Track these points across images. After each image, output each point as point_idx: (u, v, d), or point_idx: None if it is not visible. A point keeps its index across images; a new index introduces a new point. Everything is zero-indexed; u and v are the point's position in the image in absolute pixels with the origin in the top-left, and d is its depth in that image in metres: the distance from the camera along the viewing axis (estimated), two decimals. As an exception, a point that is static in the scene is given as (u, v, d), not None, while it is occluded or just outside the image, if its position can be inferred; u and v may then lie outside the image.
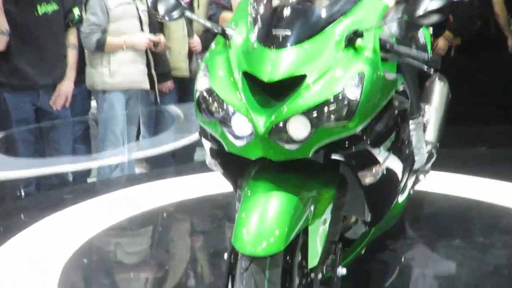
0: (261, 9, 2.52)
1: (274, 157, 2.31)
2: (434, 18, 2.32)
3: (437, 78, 4.02)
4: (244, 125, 2.29)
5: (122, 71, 5.11)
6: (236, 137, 2.33)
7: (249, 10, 2.56)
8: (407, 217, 3.91)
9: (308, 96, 2.26)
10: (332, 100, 2.26)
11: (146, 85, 5.26)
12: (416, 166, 3.34)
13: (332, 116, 2.26)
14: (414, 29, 3.13)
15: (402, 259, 3.47)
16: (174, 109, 5.83)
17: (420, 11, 2.31)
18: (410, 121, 3.25)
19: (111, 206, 4.35)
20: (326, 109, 2.26)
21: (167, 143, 5.84)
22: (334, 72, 2.31)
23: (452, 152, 4.86)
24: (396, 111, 2.58)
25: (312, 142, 2.28)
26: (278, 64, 2.28)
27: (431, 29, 3.95)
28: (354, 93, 2.28)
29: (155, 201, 4.41)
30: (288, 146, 2.28)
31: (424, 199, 4.20)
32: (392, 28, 2.85)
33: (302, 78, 2.30)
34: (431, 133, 3.74)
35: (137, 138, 5.68)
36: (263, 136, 2.26)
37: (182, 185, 4.76)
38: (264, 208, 2.27)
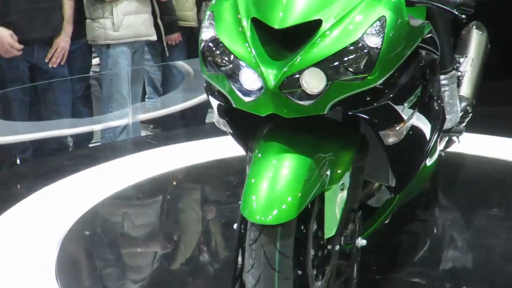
0: None
1: (286, 114, 2.28)
2: None
3: (474, 27, 3.97)
4: (253, 79, 2.27)
5: (126, 22, 5.09)
6: (245, 92, 2.31)
7: None
8: (440, 183, 3.90)
9: (323, 45, 2.23)
10: (350, 49, 2.23)
11: (153, 37, 5.24)
12: (448, 125, 3.33)
13: (350, 67, 2.23)
14: None
15: (434, 230, 3.46)
16: (183, 65, 5.82)
17: None
18: (442, 75, 3.25)
19: (115, 173, 4.37)
20: (343, 59, 2.22)
21: (176, 103, 5.84)
22: (352, 17, 2.27)
23: (490, 111, 4.82)
24: (423, 63, 2.53)
25: (328, 97, 2.25)
26: (290, 9, 2.24)
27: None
28: (374, 41, 2.24)
29: (163, 166, 4.42)
30: (301, 102, 2.25)
31: (459, 162, 4.19)
32: None
33: (317, 24, 2.26)
34: (467, 88, 3.70)
35: (143, 97, 5.68)
36: (274, 91, 2.23)
37: (192, 149, 4.77)
38: (275, 172, 2.25)
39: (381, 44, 2.24)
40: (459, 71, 3.69)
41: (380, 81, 2.29)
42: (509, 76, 5.56)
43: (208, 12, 2.45)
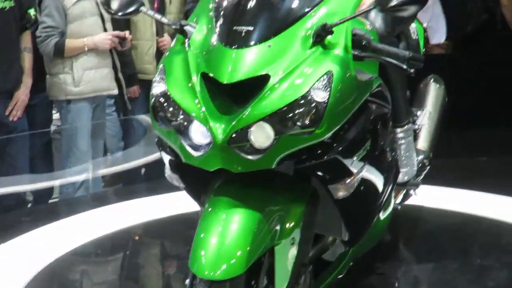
0: (224, 3, 2.54)
1: (234, 168, 2.31)
2: (411, 9, 2.34)
3: (431, 80, 4.03)
4: (202, 133, 2.30)
5: (86, 77, 5.10)
6: (194, 147, 2.33)
7: (211, 4, 2.57)
8: (399, 235, 3.92)
9: (271, 99, 2.26)
10: (297, 104, 2.26)
11: (115, 90, 5.26)
12: (405, 178, 3.35)
13: (298, 122, 2.26)
14: (402, 23, 3.15)
15: (392, 284, 3.46)
16: (144, 118, 5.81)
17: (394, 1, 2.32)
18: (398, 129, 3.28)
19: (74, 228, 4.33)
20: (290, 113, 2.25)
21: (138, 158, 5.83)
22: (300, 72, 2.30)
23: (448, 163, 4.87)
24: (373, 116, 2.57)
25: (276, 151, 2.28)
26: (239, 64, 2.28)
27: (425, 23, 3.94)
28: (321, 95, 2.27)
29: (123, 222, 4.40)
30: (249, 156, 2.28)
31: (418, 215, 4.21)
32: (376, 22, 2.88)
33: (266, 79, 2.30)
34: (424, 142, 3.73)
35: (104, 152, 5.67)
36: (222, 145, 2.26)
37: (153, 204, 4.75)
38: (224, 226, 2.27)
39: (328, 99, 2.27)
40: (416, 124, 3.73)
41: (328, 135, 2.32)
42: (467, 128, 5.64)
43: (160, 66, 2.49)
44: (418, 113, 3.81)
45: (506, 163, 5.27)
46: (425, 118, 3.80)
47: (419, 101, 3.92)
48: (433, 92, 3.95)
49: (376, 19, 2.84)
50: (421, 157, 3.63)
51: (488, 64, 6.08)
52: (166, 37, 5.55)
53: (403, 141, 3.31)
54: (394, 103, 2.98)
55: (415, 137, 3.66)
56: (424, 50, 3.74)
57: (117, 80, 5.28)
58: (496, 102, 5.97)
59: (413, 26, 3.50)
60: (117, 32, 5.13)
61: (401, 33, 3.35)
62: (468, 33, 6.36)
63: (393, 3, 2.32)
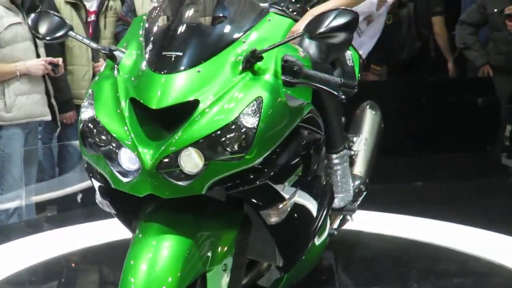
0: (154, 28, 2.57)
1: (164, 194, 2.32)
2: (341, 36, 2.36)
3: (368, 106, 4.08)
4: (131, 159, 2.31)
5: (19, 102, 5.02)
6: (123, 173, 2.34)
7: (141, 30, 2.60)
8: (338, 260, 3.93)
9: (200, 125, 2.29)
10: (226, 129, 2.28)
11: (48, 116, 5.20)
12: (341, 203, 3.38)
13: (227, 147, 2.28)
14: (335, 50, 3.20)
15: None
16: (78, 143, 5.75)
17: (322, 28, 2.35)
18: (334, 154, 3.32)
19: (7, 256, 4.25)
20: (220, 139, 2.28)
21: (73, 184, 5.76)
22: (229, 98, 2.34)
23: (387, 188, 4.92)
24: (304, 142, 2.60)
25: (205, 177, 2.30)
26: (168, 90, 2.31)
27: (361, 51, 3.99)
28: (251, 121, 2.30)
29: (58, 249, 4.32)
30: (179, 182, 2.29)
31: (356, 240, 4.23)
32: (310, 49, 2.92)
33: (195, 105, 2.32)
34: (360, 167, 3.77)
35: (37, 178, 5.59)
36: (151, 171, 2.26)
37: (90, 230, 4.69)
38: (155, 252, 2.27)
39: (258, 124, 2.31)
40: (352, 150, 3.77)
41: (258, 161, 2.35)
42: (403, 153, 5.72)
43: (89, 91, 2.51)
44: (354, 139, 3.86)
45: (443, 188, 5.36)
46: (361, 144, 3.84)
47: (355, 127, 3.96)
48: (369, 118, 3.99)
49: (310, 45, 2.91)
50: (357, 182, 3.67)
51: (423, 89, 6.20)
52: (102, 62, 5.50)
53: (338, 167, 3.35)
54: (328, 129, 3.03)
55: (352, 163, 3.71)
56: (359, 76, 3.78)
57: (51, 106, 5.22)
58: (432, 127, 6.08)
59: (349, 53, 3.55)
60: (50, 58, 5.08)
61: (336, 59, 3.40)
62: (403, 60, 6.51)
63: (321, 30, 2.35)
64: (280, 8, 3.18)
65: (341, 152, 3.37)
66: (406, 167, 5.76)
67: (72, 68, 5.45)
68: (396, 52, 6.46)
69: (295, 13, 3.16)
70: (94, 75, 5.49)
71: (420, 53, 6.44)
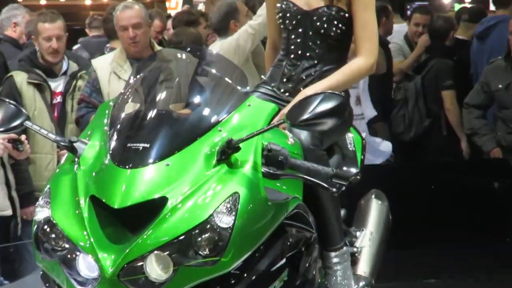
0: (120, 116, 2.59)
1: None
2: (329, 122, 2.36)
3: (373, 196, 3.98)
4: (90, 266, 2.30)
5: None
6: (80, 282, 2.31)
7: (105, 118, 2.62)
8: None
9: (168, 226, 2.27)
10: (198, 230, 2.27)
11: (8, 211, 5.06)
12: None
13: (199, 251, 2.26)
14: (330, 136, 3.14)
15: None
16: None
17: (306, 114, 2.35)
18: (332, 253, 3.22)
19: None
20: (191, 241, 2.26)
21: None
22: (201, 194, 2.33)
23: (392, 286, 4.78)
24: (290, 241, 2.57)
25: (175, 285, 2.26)
26: (132, 186, 2.31)
27: (364, 133, 3.91)
28: (225, 220, 2.29)
29: None
30: None
31: None
32: (301, 134, 2.87)
33: (163, 202, 2.32)
34: (365, 266, 3.63)
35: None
36: (112, 279, 2.24)
37: None
38: None
39: (234, 224, 2.29)
40: (355, 246, 3.65)
41: (235, 265, 2.32)
42: (413, 246, 5.61)
43: (46, 187, 2.51)
44: (358, 233, 3.74)
45: (458, 286, 5.30)
46: (366, 240, 3.72)
47: (359, 220, 3.85)
48: (375, 209, 3.90)
49: (302, 130, 2.85)
50: (362, 283, 3.55)
51: (433, 173, 6.12)
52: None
53: (338, 267, 3.25)
54: (324, 223, 3.04)
55: (354, 261, 3.59)
56: (362, 158, 3.68)
57: (11, 199, 5.08)
58: (444, 215, 5.99)
59: (350, 136, 3.50)
60: (10, 135, 4.82)
61: (335, 143, 3.36)
62: (410, 140, 6.44)
63: (304, 117, 2.36)
64: (270, 88, 3.29)
65: (341, 250, 3.28)
66: (416, 261, 5.63)
67: (34, 157, 5.33)
68: (402, 131, 6.42)
69: (287, 93, 3.23)
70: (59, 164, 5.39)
71: (429, 132, 6.38)
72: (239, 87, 2.76)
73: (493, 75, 5.76)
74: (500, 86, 5.71)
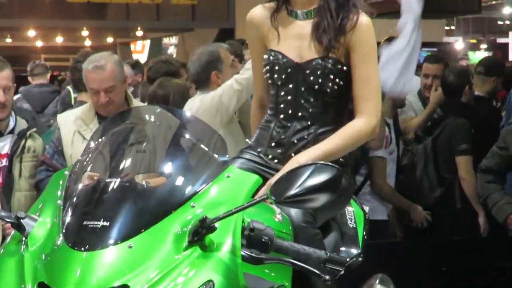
0: (77, 187, 2.58)
1: None
2: (321, 199, 2.37)
3: (377, 281, 3.94)
4: None
5: None
6: None
7: (59, 190, 2.61)
8: None
9: None
10: None
11: None
12: None
13: None
14: (330, 209, 3.15)
15: None
16: None
17: (293, 189, 2.35)
18: None
19: None
20: None
21: None
22: (170, 282, 2.31)
23: None
24: None
25: None
26: (88, 272, 2.29)
27: (367, 208, 3.89)
28: None
29: None
30: None
31: None
32: (291, 209, 2.86)
33: None
34: None
35: None
36: None
37: None
38: None
39: None
40: None
41: None
42: None
43: None
44: None
45: None
46: None
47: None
48: None
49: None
50: None
51: (445, 252, 6.08)
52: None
53: None
54: None
55: None
56: (364, 236, 3.67)
57: None
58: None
59: (350, 209, 3.50)
60: None
61: (331, 219, 3.35)
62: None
63: (292, 192, 2.37)
64: (256, 154, 3.31)
65: None
66: None
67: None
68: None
69: (275, 160, 3.25)
70: (3, 240, 5.32)
71: (441, 204, 6.28)
72: (216, 156, 2.76)
73: None
74: None
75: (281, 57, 3.22)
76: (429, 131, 6.41)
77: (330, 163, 2.47)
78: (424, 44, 18.40)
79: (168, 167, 2.70)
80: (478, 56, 22.28)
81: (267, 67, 3.24)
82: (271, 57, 3.23)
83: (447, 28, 27.66)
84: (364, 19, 3.20)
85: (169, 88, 5.51)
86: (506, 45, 25.49)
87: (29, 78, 8.27)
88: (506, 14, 32.85)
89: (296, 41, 3.24)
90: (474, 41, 28.33)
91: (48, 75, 10.15)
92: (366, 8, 3.26)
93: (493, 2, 28.59)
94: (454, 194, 6.21)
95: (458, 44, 23.16)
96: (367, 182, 5.74)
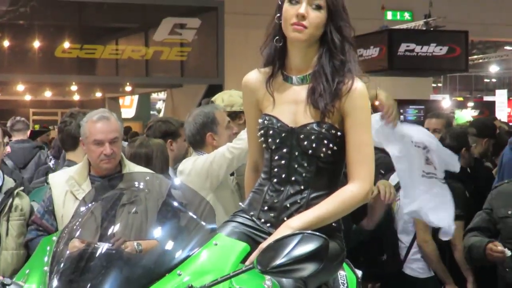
0: (64, 254, 2.56)
1: None
2: (306, 268, 2.35)
3: None
4: None
5: None
6: None
7: (47, 254, 2.60)
8: None
9: None
10: None
11: None
12: None
13: None
14: (321, 274, 3.07)
15: None
16: None
17: (280, 259, 2.34)
18: None
19: None
20: None
21: None
22: None
23: None
24: None
25: None
26: None
27: (359, 272, 3.82)
28: None
29: None
30: None
31: None
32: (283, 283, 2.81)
33: None
34: None
35: None
36: None
37: None
38: None
39: None
40: None
41: None
42: None
43: None
44: None
45: None
46: None
47: None
48: None
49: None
50: None
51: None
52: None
53: None
54: None
55: None
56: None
57: None
58: None
59: (343, 274, 3.48)
60: None
61: (324, 284, 3.31)
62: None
63: (278, 262, 2.37)
64: (249, 217, 3.28)
65: None
66: None
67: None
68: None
69: (268, 224, 3.23)
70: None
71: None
72: (204, 223, 2.75)
73: (499, 200, 5.57)
74: (509, 212, 5.48)
75: (276, 122, 3.21)
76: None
77: (317, 233, 2.47)
78: (412, 102, 18.51)
79: (156, 234, 2.69)
80: (465, 113, 22.33)
81: (262, 131, 3.23)
82: (265, 121, 3.23)
83: (434, 85, 27.80)
84: (359, 84, 3.20)
85: (151, 147, 5.50)
86: (493, 103, 25.53)
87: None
88: (492, 72, 33.06)
89: (291, 106, 3.24)
90: (461, 99, 28.44)
91: (28, 132, 10.12)
92: (361, 73, 3.25)
93: (480, 61, 28.77)
94: (444, 259, 6.09)
95: (445, 102, 23.19)
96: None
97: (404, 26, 18.85)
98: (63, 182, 4.87)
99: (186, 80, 17.17)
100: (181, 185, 3.15)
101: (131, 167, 4.79)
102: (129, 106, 25.85)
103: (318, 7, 3.19)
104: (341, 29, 3.23)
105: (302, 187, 3.21)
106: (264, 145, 3.26)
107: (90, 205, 2.79)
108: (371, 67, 14.59)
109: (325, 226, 3.12)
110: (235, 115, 5.49)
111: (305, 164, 3.19)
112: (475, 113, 24.35)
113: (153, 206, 2.80)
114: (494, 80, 36.73)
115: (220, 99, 5.57)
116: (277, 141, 3.20)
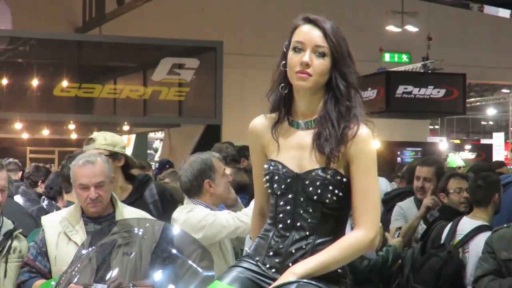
0: None
1: None
2: None
3: None
4: None
5: None
6: None
7: None
8: None
9: None
10: None
11: None
12: None
13: None
14: None
15: None
16: None
17: None
18: None
19: None
20: None
21: None
22: None
23: None
24: None
25: None
26: None
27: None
28: None
29: None
30: None
31: None
32: None
33: None
34: None
35: None
36: None
37: None
38: None
39: None
40: None
41: None
42: None
43: None
44: None
45: None
46: None
47: None
48: None
49: None
50: None
51: None
52: None
53: None
54: None
55: None
56: None
57: None
58: None
59: None
60: None
61: None
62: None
63: None
64: (254, 262, 3.24)
65: None
66: None
67: None
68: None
69: (273, 270, 3.20)
70: None
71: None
72: (201, 270, 2.75)
73: (500, 245, 5.52)
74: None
75: (281, 167, 3.19)
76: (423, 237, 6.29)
77: (312, 281, 2.54)
78: (409, 144, 18.52)
79: (151, 281, 2.71)
80: (457, 157, 22.28)
81: (267, 177, 3.21)
82: (271, 167, 3.21)
83: (431, 127, 27.81)
84: (364, 130, 3.19)
85: None
86: (490, 146, 25.55)
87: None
88: (489, 115, 33.07)
89: (297, 152, 3.23)
90: (458, 141, 28.45)
91: (20, 173, 10.10)
92: (367, 119, 3.24)
93: (477, 103, 28.81)
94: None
95: (443, 144, 23.19)
96: None
97: (402, 68, 18.89)
98: (57, 224, 4.82)
99: (184, 120, 17.08)
100: (178, 231, 3.15)
101: (123, 209, 4.77)
102: (126, 145, 25.81)
103: (322, 55, 3.21)
104: (346, 76, 3.23)
105: (307, 233, 3.18)
106: (269, 191, 3.24)
107: (87, 250, 2.76)
108: (369, 109, 14.56)
109: (330, 272, 3.10)
110: (115, 156, 5.45)
111: (310, 210, 3.17)
112: (472, 155, 24.37)
113: (147, 250, 2.79)
114: (491, 122, 36.72)
115: (102, 137, 5.50)
116: (283, 186, 3.18)
